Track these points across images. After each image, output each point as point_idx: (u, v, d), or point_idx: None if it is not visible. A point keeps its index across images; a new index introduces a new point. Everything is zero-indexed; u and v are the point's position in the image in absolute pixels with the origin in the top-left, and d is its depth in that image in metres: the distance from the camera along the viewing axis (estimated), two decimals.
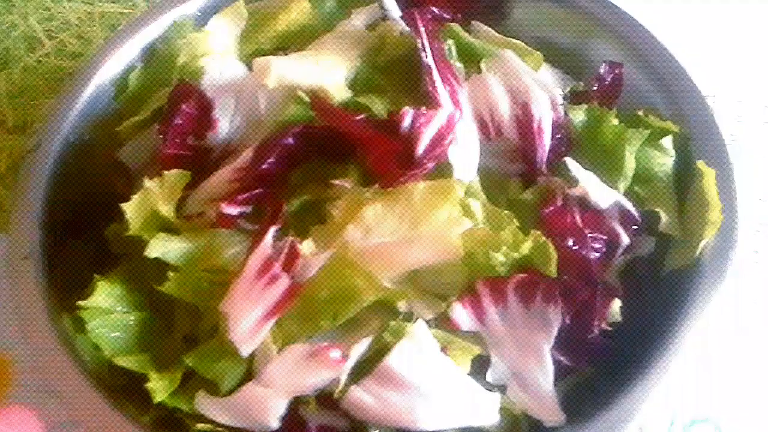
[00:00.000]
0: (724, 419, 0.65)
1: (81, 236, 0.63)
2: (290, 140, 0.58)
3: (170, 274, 0.56)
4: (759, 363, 0.67)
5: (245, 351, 0.53)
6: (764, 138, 0.78)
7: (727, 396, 0.66)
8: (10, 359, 0.67)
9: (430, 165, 0.57)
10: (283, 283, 0.53)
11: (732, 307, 0.69)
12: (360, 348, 0.52)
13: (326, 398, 0.53)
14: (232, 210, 0.57)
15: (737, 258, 0.58)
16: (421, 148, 0.57)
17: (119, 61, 0.68)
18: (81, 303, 0.56)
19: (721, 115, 0.77)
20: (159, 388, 0.54)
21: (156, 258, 0.57)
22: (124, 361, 0.55)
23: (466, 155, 0.60)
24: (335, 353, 0.51)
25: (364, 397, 0.52)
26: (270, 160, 0.57)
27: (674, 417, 0.65)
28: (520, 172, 0.61)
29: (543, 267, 0.54)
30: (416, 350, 0.52)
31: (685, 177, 0.61)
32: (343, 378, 0.52)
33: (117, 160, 0.65)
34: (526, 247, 0.54)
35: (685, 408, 0.65)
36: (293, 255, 0.54)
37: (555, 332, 0.54)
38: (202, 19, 0.69)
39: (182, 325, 0.58)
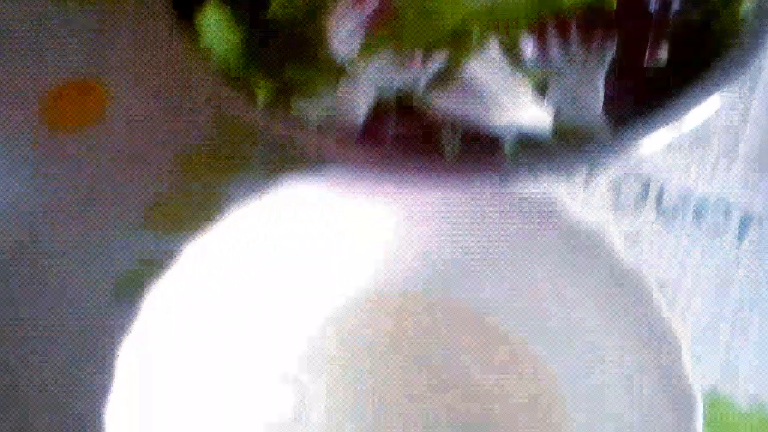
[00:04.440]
0: None
1: None
2: None
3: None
4: None
5: (342, 54, 0.61)
6: None
7: None
8: (103, 85, 0.77)
9: None
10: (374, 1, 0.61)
11: None
12: (439, 57, 0.61)
13: (404, 108, 0.62)
14: None
15: None
16: None
17: None
18: (197, 20, 0.64)
19: None
20: (262, 87, 0.63)
21: None
22: (234, 64, 0.64)
23: None
24: (418, 57, 0.60)
25: (440, 99, 0.60)
26: None
27: None
28: None
29: (604, 3, 0.62)
30: (488, 65, 0.61)
31: None
32: (423, 80, 0.61)
33: None
34: None
35: None
36: None
37: (608, 63, 0.61)
38: None
39: (278, 44, 0.67)
